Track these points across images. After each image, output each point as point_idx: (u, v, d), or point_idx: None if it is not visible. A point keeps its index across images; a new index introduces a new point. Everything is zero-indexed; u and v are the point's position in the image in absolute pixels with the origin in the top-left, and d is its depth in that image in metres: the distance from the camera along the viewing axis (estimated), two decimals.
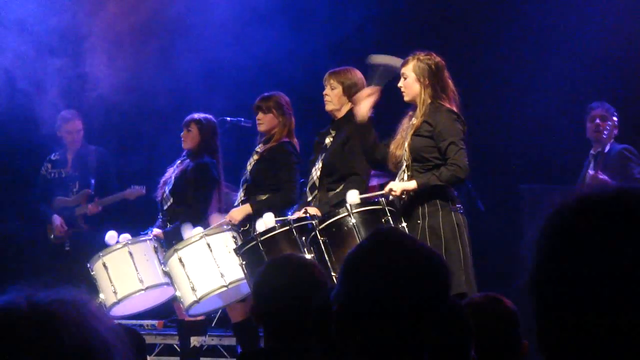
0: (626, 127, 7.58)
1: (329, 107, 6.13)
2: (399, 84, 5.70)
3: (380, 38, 8.67)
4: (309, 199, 6.07)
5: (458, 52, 8.75)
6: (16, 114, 8.23)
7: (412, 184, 5.47)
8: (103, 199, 8.03)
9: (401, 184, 5.48)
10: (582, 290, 1.14)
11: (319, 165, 6.08)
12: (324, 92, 6.13)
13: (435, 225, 5.48)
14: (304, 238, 5.54)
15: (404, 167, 5.61)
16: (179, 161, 7.11)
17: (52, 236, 8.12)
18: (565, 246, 1.17)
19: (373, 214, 5.37)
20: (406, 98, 5.70)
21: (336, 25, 8.65)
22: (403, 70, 5.69)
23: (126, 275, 6.55)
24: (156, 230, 6.92)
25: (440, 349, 1.77)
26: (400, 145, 5.64)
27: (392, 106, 5.94)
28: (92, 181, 8.18)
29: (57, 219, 8.05)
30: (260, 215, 6.30)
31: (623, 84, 8.25)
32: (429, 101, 5.63)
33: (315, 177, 6.08)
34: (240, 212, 6.43)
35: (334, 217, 5.38)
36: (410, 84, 5.65)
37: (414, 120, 5.63)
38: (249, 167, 6.62)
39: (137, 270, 6.54)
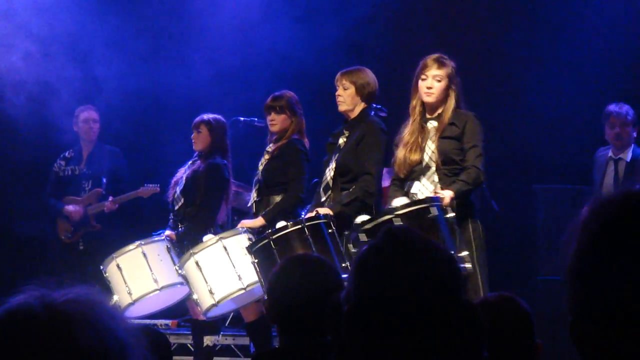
0: None
1: (342, 107, 6.11)
2: (429, 84, 5.60)
3: (391, 31, 8.66)
4: (323, 199, 6.05)
5: (472, 50, 8.74)
6: (31, 115, 8.25)
7: (451, 193, 5.38)
8: (118, 196, 8.04)
9: (448, 192, 5.37)
10: (623, 283, 1.15)
11: (332, 165, 6.06)
12: (337, 93, 6.10)
13: (466, 237, 5.45)
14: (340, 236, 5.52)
15: (432, 170, 5.56)
16: (190, 162, 7.10)
17: (63, 237, 8.13)
18: (610, 239, 1.18)
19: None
20: (431, 100, 5.62)
21: (345, 20, 8.62)
22: (437, 72, 5.60)
23: (141, 275, 6.55)
24: (168, 232, 6.93)
25: (452, 349, 1.76)
26: (415, 149, 5.58)
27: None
28: (104, 180, 8.19)
29: (70, 207, 8.06)
30: (275, 224, 6.32)
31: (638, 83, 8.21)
32: (454, 106, 5.62)
33: (329, 178, 6.06)
34: (253, 224, 6.42)
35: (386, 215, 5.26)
36: (443, 89, 5.62)
37: (435, 124, 5.61)
38: (260, 168, 6.61)
39: (151, 271, 6.54)
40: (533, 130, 8.64)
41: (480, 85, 8.74)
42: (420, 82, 5.64)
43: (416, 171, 5.59)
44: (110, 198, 8.00)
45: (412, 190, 5.59)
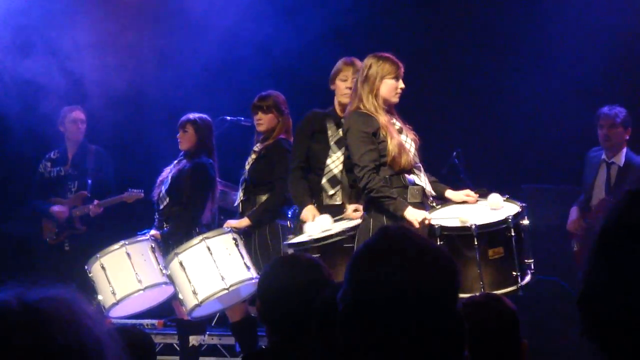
0: (636, 129, 7.47)
1: (346, 99, 5.88)
2: (402, 86, 5.54)
3: (374, 21, 8.65)
4: (331, 192, 5.91)
5: (460, 48, 8.74)
6: (16, 115, 8.21)
7: None
8: (102, 200, 7.99)
9: None
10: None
11: (339, 158, 5.93)
12: (347, 86, 5.89)
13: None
14: None
15: (422, 168, 5.56)
16: (176, 161, 7.08)
17: (47, 238, 8.08)
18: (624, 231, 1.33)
19: None
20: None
21: (329, 12, 8.61)
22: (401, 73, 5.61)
23: (124, 275, 6.53)
24: (153, 231, 6.91)
25: (438, 349, 1.75)
26: (405, 147, 5.53)
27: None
28: (89, 182, 8.15)
29: (55, 207, 8.01)
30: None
31: (630, 84, 8.21)
32: None
33: (336, 171, 5.91)
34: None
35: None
36: None
37: (399, 124, 5.57)
38: (247, 167, 6.59)
39: (135, 271, 6.53)
40: (522, 130, 8.64)
41: (469, 84, 8.74)
42: (393, 82, 5.50)
43: (417, 169, 5.55)
44: (95, 202, 7.95)
45: (419, 183, 5.49)
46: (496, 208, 5.41)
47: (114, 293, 6.48)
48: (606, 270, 1.31)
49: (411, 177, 5.48)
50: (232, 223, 6.42)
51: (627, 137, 7.25)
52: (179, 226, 6.82)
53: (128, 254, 6.57)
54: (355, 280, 1.74)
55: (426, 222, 5.20)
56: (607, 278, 1.30)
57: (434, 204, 5.51)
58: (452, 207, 5.54)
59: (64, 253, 8.01)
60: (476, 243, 5.09)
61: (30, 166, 8.44)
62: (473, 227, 5.11)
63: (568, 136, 8.33)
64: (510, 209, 5.38)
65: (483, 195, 5.56)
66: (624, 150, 7.25)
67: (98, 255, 6.61)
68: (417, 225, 5.18)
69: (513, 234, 5.15)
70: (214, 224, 7.31)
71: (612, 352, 1.24)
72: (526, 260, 5.24)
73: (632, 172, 7.17)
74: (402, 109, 5.69)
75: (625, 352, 1.22)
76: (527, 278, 5.23)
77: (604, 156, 7.33)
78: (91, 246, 7.28)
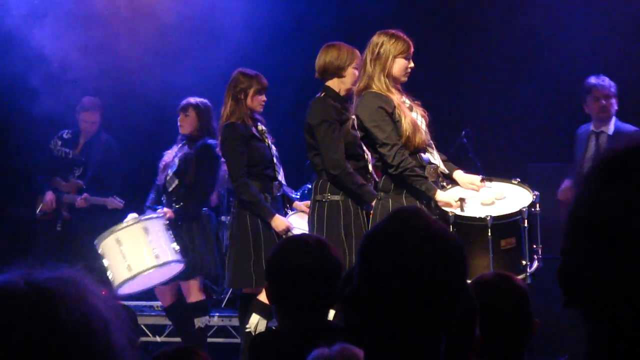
0: (627, 104, 7.46)
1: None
2: (412, 66, 5.46)
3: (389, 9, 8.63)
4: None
5: (468, 28, 8.70)
6: (29, 94, 8.21)
7: None
8: (91, 197, 7.97)
9: None
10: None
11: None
12: (358, 74, 5.64)
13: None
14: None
15: (433, 147, 5.53)
16: (179, 145, 7.07)
17: (39, 210, 8.06)
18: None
19: None
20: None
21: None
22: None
23: (142, 250, 6.54)
24: (166, 209, 6.91)
25: (448, 329, 1.75)
26: (419, 125, 5.46)
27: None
28: (89, 174, 8.12)
29: (48, 195, 8.01)
30: None
31: (630, 60, 8.19)
32: None
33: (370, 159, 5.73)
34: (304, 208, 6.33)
35: None
36: None
37: (408, 102, 5.50)
38: (273, 147, 6.44)
39: (153, 246, 6.56)
40: (527, 109, 8.63)
41: (476, 63, 8.72)
42: (405, 61, 5.42)
43: (430, 148, 5.51)
44: (84, 195, 7.92)
45: (434, 162, 5.46)
46: (499, 198, 5.36)
47: (129, 268, 6.50)
48: (582, 247, 1.32)
49: (426, 155, 5.44)
50: (302, 206, 6.33)
51: (616, 107, 7.27)
52: (188, 207, 6.85)
53: (146, 229, 6.61)
54: (363, 261, 1.74)
55: (463, 204, 5.20)
56: (583, 254, 1.31)
57: (444, 183, 5.48)
58: (459, 189, 5.50)
59: (56, 233, 8.01)
60: (490, 234, 5.06)
61: (35, 143, 8.39)
62: (488, 218, 5.09)
63: (575, 115, 8.31)
64: (524, 198, 5.32)
65: (488, 180, 5.53)
66: (613, 119, 7.27)
67: (114, 229, 6.62)
68: (454, 205, 5.19)
69: (526, 224, 5.14)
70: (222, 206, 7.30)
71: (595, 320, 1.27)
72: (534, 246, 5.23)
73: (623, 141, 7.11)
74: (411, 88, 5.65)
75: (605, 319, 1.25)
76: (535, 265, 5.22)
77: (592, 127, 7.37)
78: (83, 227, 7.47)
